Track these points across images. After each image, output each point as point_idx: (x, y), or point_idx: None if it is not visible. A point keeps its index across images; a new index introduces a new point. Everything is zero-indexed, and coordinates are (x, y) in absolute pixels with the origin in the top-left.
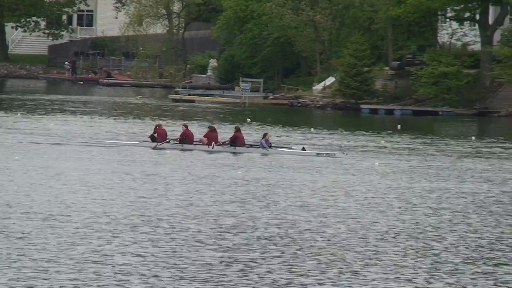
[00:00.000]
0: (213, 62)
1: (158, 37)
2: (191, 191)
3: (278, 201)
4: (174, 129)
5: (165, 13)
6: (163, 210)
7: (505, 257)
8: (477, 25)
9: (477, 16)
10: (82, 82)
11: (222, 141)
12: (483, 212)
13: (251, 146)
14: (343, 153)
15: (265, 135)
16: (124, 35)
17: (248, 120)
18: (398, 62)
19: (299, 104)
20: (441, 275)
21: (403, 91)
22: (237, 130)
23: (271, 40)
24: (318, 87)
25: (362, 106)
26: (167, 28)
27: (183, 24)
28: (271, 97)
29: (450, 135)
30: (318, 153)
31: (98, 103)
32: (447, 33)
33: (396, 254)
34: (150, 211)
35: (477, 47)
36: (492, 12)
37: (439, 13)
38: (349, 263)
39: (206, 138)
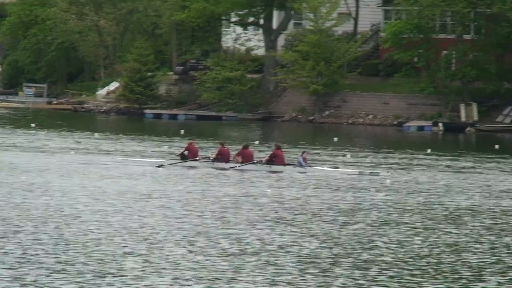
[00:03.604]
0: None
1: None
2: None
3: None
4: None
5: None
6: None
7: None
8: (261, 29)
9: (261, 21)
10: None
11: (259, 159)
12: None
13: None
14: (388, 171)
15: (303, 153)
16: None
17: (33, 125)
18: (182, 67)
19: (83, 109)
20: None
21: (187, 96)
22: (278, 147)
23: (55, 45)
24: (102, 92)
25: (146, 111)
26: None
27: None
28: (55, 102)
29: (234, 140)
30: (360, 172)
31: None
32: (231, 38)
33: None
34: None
35: (261, 51)
36: (276, 17)
37: (223, 18)
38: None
39: (239, 157)
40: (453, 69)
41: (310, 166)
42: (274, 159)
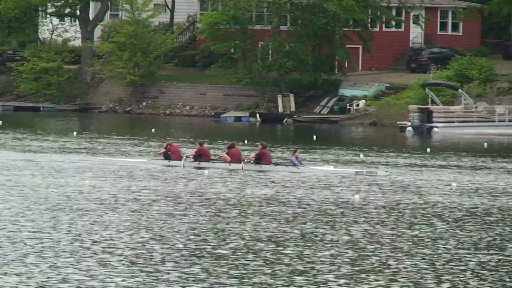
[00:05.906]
0: None
1: None
2: None
3: None
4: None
5: None
6: None
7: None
8: (77, 20)
9: (78, 12)
10: None
11: (247, 159)
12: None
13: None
14: (386, 171)
15: (295, 152)
16: None
17: None
18: None
19: None
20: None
21: (4, 87)
22: (264, 147)
23: None
24: None
25: None
26: None
27: None
28: None
29: (51, 131)
30: (357, 171)
31: None
32: (48, 29)
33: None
34: None
35: (78, 42)
36: (93, 8)
37: (40, 9)
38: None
39: (227, 156)
40: (270, 60)
41: (303, 165)
42: (261, 159)
